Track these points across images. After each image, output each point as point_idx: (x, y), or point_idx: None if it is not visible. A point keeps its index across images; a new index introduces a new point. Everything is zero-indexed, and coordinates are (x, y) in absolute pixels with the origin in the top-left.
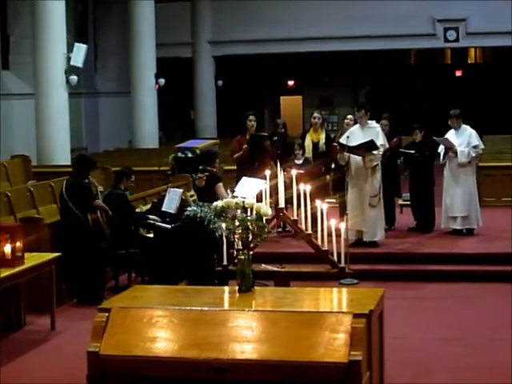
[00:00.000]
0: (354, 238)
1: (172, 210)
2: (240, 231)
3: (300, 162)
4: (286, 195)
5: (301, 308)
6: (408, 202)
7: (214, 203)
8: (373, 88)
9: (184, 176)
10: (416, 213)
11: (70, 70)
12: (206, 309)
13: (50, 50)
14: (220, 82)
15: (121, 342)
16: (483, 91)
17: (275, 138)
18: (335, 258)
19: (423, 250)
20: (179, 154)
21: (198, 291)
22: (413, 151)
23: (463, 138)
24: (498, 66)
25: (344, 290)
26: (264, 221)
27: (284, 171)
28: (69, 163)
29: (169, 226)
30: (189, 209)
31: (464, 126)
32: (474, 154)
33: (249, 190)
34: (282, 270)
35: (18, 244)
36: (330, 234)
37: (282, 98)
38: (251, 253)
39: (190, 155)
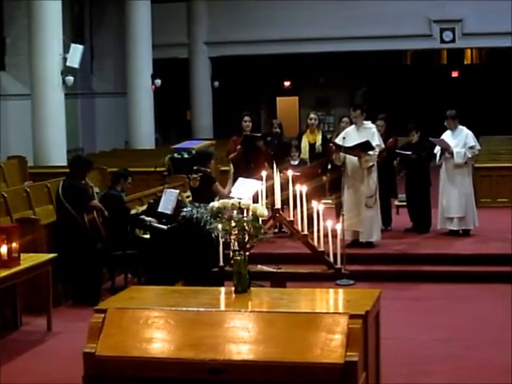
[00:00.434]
0: (350, 239)
1: (168, 211)
2: (236, 232)
3: (296, 162)
4: (282, 196)
5: (297, 309)
6: (404, 203)
7: (211, 204)
8: (369, 89)
9: (180, 177)
10: (412, 213)
11: (67, 70)
12: (202, 310)
13: (47, 50)
14: (216, 83)
15: (117, 342)
16: (479, 92)
17: (269, 139)
18: (331, 259)
19: (419, 250)
20: (175, 155)
21: (194, 292)
22: (409, 152)
23: (459, 139)
24: (494, 66)
25: (340, 290)
26: (260, 222)
27: (280, 172)
28: (65, 164)
29: (165, 227)
30: (185, 210)
31: (460, 126)
32: (470, 155)
33: (245, 190)
34: (279, 270)
35: (15, 245)
36: (326, 235)
37: (278, 98)
38: (247, 254)
39: (186, 156)
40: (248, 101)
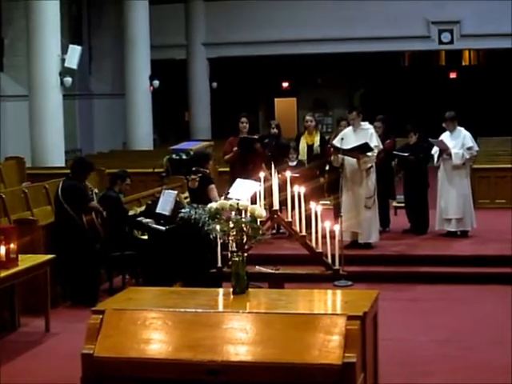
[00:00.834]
0: (348, 240)
1: (166, 212)
2: (234, 233)
3: (294, 163)
4: (280, 197)
5: (295, 310)
6: (402, 204)
7: (209, 205)
8: (367, 90)
9: (178, 178)
10: (410, 215)
11: (65, 71)
12: (200, 311)
13: (45, 51)
14: (214, 84)
15: (115, 343)
16: (478, 93)
17: (266, 140)
18: (329, 260)
19: (418, 251)
20: (173, 156)
21: (192, 293)
22: (407, 153)
23: (458, 140)
24: (492, 68)
25: (338, 291)
26: (258, 223)
27: (278, 174)
28: (63, 165)
29: (163, 228)
30: (183, 211)
31: (459, 128)
32: (468, 156)
33: (243, 191)
34: (277, 271)
35: (13, 246)
36: (324, 236)
37: (276, 99)
38: (245, 255)
39: (184, 157)
40: (246, 102)
